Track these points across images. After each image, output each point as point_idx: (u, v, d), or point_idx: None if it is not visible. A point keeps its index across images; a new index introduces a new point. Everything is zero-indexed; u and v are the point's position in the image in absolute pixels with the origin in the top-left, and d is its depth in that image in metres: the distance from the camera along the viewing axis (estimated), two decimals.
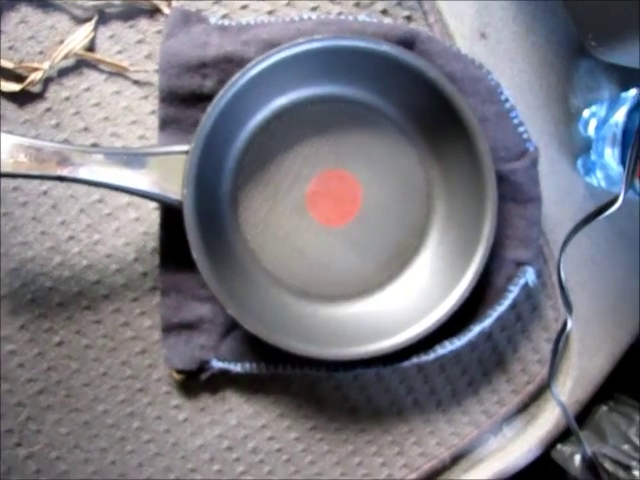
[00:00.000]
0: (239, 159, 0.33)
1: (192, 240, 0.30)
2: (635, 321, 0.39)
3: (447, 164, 0.33)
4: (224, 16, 0.34)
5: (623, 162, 0.32)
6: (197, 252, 0.30)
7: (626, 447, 0.35)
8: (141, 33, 0.34)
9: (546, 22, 0.35)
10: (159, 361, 0.35)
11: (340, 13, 0.34)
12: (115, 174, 0.30)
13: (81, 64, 0.34)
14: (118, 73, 0.34)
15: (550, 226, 0.36)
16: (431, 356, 0.33)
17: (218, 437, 0.36)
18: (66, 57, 0.33)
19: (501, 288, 0.33)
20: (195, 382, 0.35)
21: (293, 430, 0.36)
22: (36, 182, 0.34)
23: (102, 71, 0.34)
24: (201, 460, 0.36)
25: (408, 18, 0.34)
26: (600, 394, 0.38)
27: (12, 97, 0.33)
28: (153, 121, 0.34)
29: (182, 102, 0.33)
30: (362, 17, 0.33)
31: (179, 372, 0.34)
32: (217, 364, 0.34)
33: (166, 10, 0.34)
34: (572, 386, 0.37)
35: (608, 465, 0.35)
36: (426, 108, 0.32)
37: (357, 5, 0.34)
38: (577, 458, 0.36)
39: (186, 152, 0.30)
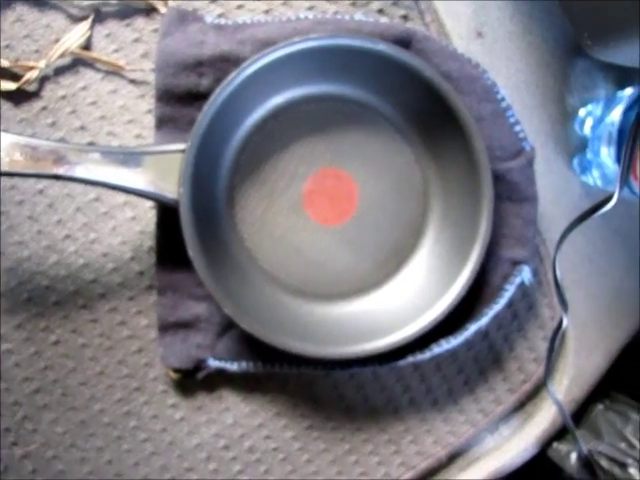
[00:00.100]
0: (235, 158, 0.33)
1: (188, 239, 0.30)
2: (631, 319, 0.39)
3: (443, 163, 0.33)
4: (220, 15, 0.34)
5: (619, 161, 0.32)
6: (193, 251, 0.30)
7: (622, 445, 0.35)
8: (137, 32, 0.34)
9: (542, 21, 0.35)
10: (155, 360, 0.35)
11: (336, 12, 0.34)
12: (111, 173, 0.30)
13: (77, 63, 0.34)
14: (114, 72, 0.34)
15: (546, 225, 0.36)
16: (427, 355, 0.33)
17: (215, 436, 0.36)
18: (62, 56, 0.33)
19: (497, 287, 0.33)
20: (191, 381, 0.35)
21: (290, 429, 0.36)
22: (32, 181, 0.34)
23: (98, 70, 0.34)
24: (197, 459, 0.36)
25: (404, 17, 0.35)
26: (596, 392, 0.38)
27: (8, 96, 0.33)
28: (149, 120, 0.34)
29: (178, 101, 0.33)
30: (358, 16, 0.33)
31: (175, 371, 0.34)
32: (213, 363, 0.34)
33: (162, 9, 0.34)
34: (568, 384, 0.37)
35: (604, 463, 0.35)
36: (422, 107, 0.32)
37: (353, 4, 0.34)
38: (573, 456, 0.36)
39: (182, 151, 0.30)
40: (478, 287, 0.33)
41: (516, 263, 0.33)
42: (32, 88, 0.34)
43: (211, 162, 0.32)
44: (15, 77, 0.33)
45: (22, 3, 0.33)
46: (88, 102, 0.34)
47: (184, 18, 0.33)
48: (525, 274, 0.33)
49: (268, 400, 0.36)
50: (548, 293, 0.37)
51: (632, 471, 0.34)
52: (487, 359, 0.37)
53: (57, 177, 0.30)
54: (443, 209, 0.34)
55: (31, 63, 0.33)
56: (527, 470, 0.37)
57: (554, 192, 0.36)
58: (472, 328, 0.33)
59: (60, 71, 0.34)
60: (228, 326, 0.33)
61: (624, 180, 0.30)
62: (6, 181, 0.34)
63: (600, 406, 0.38)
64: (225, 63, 0.32)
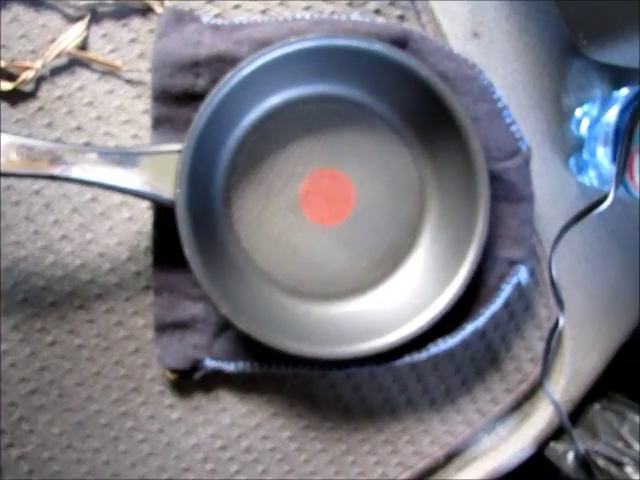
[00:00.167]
0: (232, 158, 0.33)
1: (185, 239, 0.30)
2: (628, 319, 0.39)
3: (440, 163, 0.33)
4: (217, 15, 0.34)
5: (615, 161, 0.32)
6: (190, 251, 0.30)
7: (619, 444, 0.35)
8: (134, 32, 0.34)
9: (539, 22, 0.36)
10: (152, 360, 0.35)
11: (333, 12, 0.34)
12: (107, 173, 0.30)
13: (73, 63, 0.34)
14: (111, 72, 0.34)
15: (543, 225, 0.36)
16: (424, 355, 0.33)
17: (212, 436, 0.36)
18: (58, 56, 0.33)
19: (494, 287, 0.33)
20: (188, 381, 0.35)
21: (287, 429, 0.36)
22: (28, 181, 0.34)
23: (95, 70, 0.34)
24: (195, 459, 0.36)
25: (401, 17, 0.35)
26: (593, 392, 0.38)
27: (4, 96, 0.33)
28: (146, 120, 0.34)
29: (175, 101, 0.33)
30: (355, 16, 0.33)
31: (172, 371, 0.34)
32: (210, 363, 0.34)
33: (159, 9, 0.34)
34: (565, 384, 0.37)
35: (601, 462, 0.35)
36: (419, 107, 0.32)
37: (350, 4, 0.34)
38: (570, 456, 0.36)
39: (179, 151, 0.30)
40: (475, 287, 0.33)
41: (513, 263, 0.33)
42: (28, 88, 0.34)
43: (208, 162, 0.32)
44: (11, 77, 0.33)
45: (18, 3, 0.33)
46: (84, 102, 0.34)
47: (180, 18, 0.33)
48: (522, 274, 0.33)
49: (265, 400, 0.36)
50: (545, 293, 0.37)
51: (629, 470, 0.34)
52: (484, 359, 0.37)
53: (53, 177, 0.30)
54: (440, 209, 0.34)
55: (27, 63, 0.33)
56: (524, 470, 0.38)
57: (551, 192, 0.36)
58: (469, 328, 0.33)
59: (56, 71, 0.34)
60: (225, 326, 0.33)
61: (619, 180, 0.30)
62: (2, 181, 0.34)
63: (597, 406, 0.38)
64: (222, 63, 0.32)
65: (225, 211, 0.33)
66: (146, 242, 0.34)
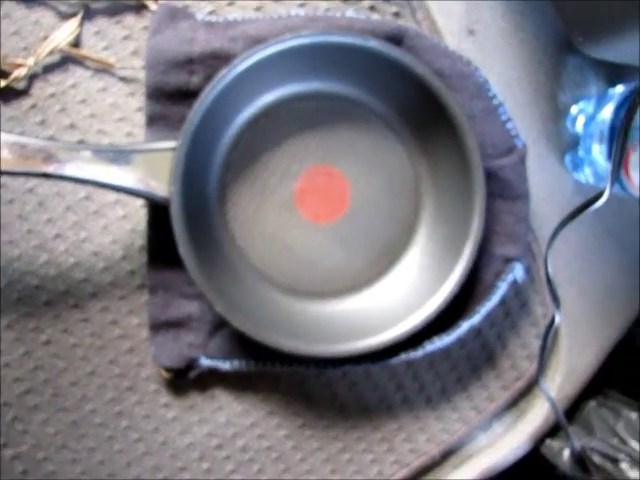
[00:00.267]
0: (226, 156, 0.33)
1: (179, 237, 0.30)
2: (623, 316, 0.39)
3: (435, 160, 0.33)
4: (211, 12, 0.34)
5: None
6: (184, 249, 0.30)
7: (614, 441, 0.35)
8: (127, 29, 0.34)
9: (534, 19, 0.35)
10: (147, 359, 0.35)
11: (328, 9, 0.34)
12: (101, 171, 0.30)
13: (66, 60, 0.34)
14: (104, 70, 0.34)
15: (538, 222, 0.36)
16: (420, 353, 0.33)
17: (207, 435, 0.36)
18: (51, 53, 0.33)
19: (490, 284, 0.33)
20: (184, 380, 0.35)
21: (283, 428, 0.36)
22: (22, 179, 0.34)
23: (88, 67, 0.34)
24: (190, 459, 0.36)
25: (396, 15, 0.34)
26: (589, 389, 0.38)
27: None
28: (140, 118, 0.34)
29: (169, 98, 0.32)
30: (350, 13, 0.33)
31: (167, 370, 0.34)
32: (206, 362, 0.33)
33: (153, 6, 0.33)
34: (561, 382, 0.37)
35: (597, 459, 0.35)
36: (414, 104, 0.32)
37: (345, 1, 0.34)
38: (566, 453, 0.36)
39: (173, 149, 0.30)
40: (470, 284, 0.33)
41: (508, 260, 0.33)
42: (21, 86, 0.33)
43: (202, 160, 0.31)
44: (3, 75, 0.33)
45: (10, 0, 0.33)
46: (78, 100, 0.34)
47: (174, 15, 0.33)
48: (517, 271, 0.33)
49: (261, 399, 0.36)
50: (541, 290, 0.37)
51: (624, 467, 0.34)
52: (480, 357, 0.37)
53: (46, 175, 0.29)
54: (435, 206, 0.34)
55: (19, 60, 0.33)
56: (520, 467, 0.38)
57: (546, 189, 0.36)
58: (465, 326, 0.33)
59: (49, 69, 0.34)
60: (220, 325, 0.33)
61: (615, 177, 0.30)
62: None
63: (592, 403, 0.38)
64: (216, 60, 0.32)
65: (220, 209, 0.33)
66: (140, 240, 0.34)
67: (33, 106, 0.34)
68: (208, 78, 0.31)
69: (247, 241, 0.33)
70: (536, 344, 0.37)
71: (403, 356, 0.33)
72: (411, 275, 0.33)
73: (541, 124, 0.36)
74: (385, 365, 0.33)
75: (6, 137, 0.29)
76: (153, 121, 0.33)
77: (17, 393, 0.35)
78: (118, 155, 0.30)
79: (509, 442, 0.37)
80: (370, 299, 0.33)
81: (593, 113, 0.34)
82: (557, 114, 0.36)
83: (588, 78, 0.36)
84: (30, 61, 0.33)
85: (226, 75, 0.30)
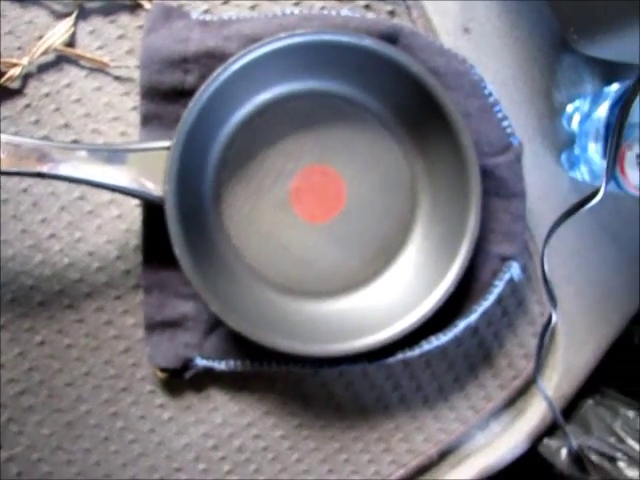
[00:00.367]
0: (222, 155, 0.33)
1: (174, 237, 0.30)
2: (620, 315, 0.39)
3: (431, 159, 0.33)
4: (206, 11, 0.34)
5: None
6: (179, 249, 0.30)
7: (612, 440, 0.35)
8: (122, 28, 0.34)
9: (529, 17, 0.35)
10: (143, 360, 0.35)
11: (323, 8, 0.34)
12: (96, 171, 0.29)
13: (61, 60, 0.33)
14: (99, 69, 0.34)
15: (535, 220, 0.36)
16: (417, 352, 0.33)
17: (203, 436, 0.36)
18: (45, 53, 0.33)
19: (486, 283, 0.33)
20: (179, 380, 0.34)
21: (279, 428, 0.36)
22: (16, 179, 0.34)
23: (82, 67, 0.34)
24: (186, 459, 0.36)
25: (391, 13, 0.34)
26: (586, 388, 0.38)
27: None
28: (135, 117, 0.34)
29: (164, 98, 0.32)
30: (345, 12, 0.33)
31: (163, 370, 0.34)
32: (201, 362, 0.33)
33: (147, 5, 0.33)
34: (558, 380, 0.37)
35: (594, 458, 0.35)
36: (409, 103, 0.32)
37: (340, 0, 0.34)
38: (564, 452, 0.36)
39: (167, 148, 0.30)
40: (467, 283, 0.32)
41: (505, 259, 0.33)
42: (15, 85, 0.33)
43: (197, 159, 0.31)
44: None
45: None
46: (72, 99, 0.34)
47: (169, 14, 0.33)
48: (514, 270, 0.33)
49: (257, 399, 0.36)
50: (537, 289, 0.36)
51: (622, 465, 0.34)
52: (477, 356, 0.37)
53: (41, 175, 0.29)
54: (431, 205, 0.33)
55: (14, 60, 0.33)
56: (518, 466, 0.37)
57: (542, 187, 0.36)
58: (461, 325, 0.33)
59: (43, 68, 0.33)
60: (215, 324, 0.33)
61: (610, 175, 0.30)
62: None
63: (590, 401, 0.38)
64: (211, 59, 0.32)
65: (215, 208, 0.33)
66: (135, 240, 0.34)
67: (27, 106, 0.33)
68: (203, 77, 0.31)
69: (242, 240, 0.33)
70: (533, 343, 0.36)
71: (400, 355, 0.32)
72: (407, 274, 0.33)
73: (537, 122, 0.36)
74: (382, 365, 0.33)
75: (0, 137, 0.29)
76: (148, 120, 0.32)
77: (12, 394, 0.34)
78: (112, 154, 0.30)
79: (507, 441, 0.37)
80: (366, 298, 0.33)
81: (588, 111, 0.34)
82: (553, 112, 0.36)
83: (583, 76, 0.36)
84: (24, 60, 0.32)
85: (221, 74, 0.30)
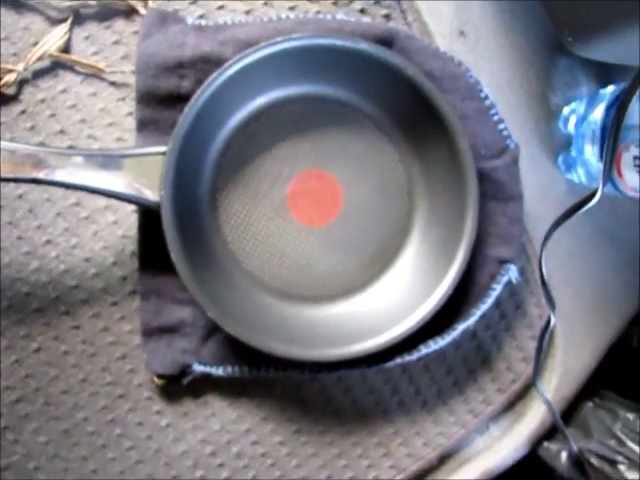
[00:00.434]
0: (218, 160, 0.33)
1: (170, 242, 0.29)
2: (619, 317, 0.39)
3: (428, 162, 0.33)
4: (201, 16, 0.34)
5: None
6: (176, 255, 0.29)
7: (612, 442, 0.35)
8: (117, 34, 0.34)
9: (524, 20, 0.36)
10: (140, 366, 0.34)
11: (318, 12, 0.34)
12: (91, 176, 0.29)
13: (56, 66, 0.33)
14: (94, 74, 0.34)
15: (532, 223, 0.36)
16: (415, 356, 0.32)
17: (201, 442, 0.35)
18: (41, 58, 0.33)
19: (484, 286, 0.33)
20: (177, 387, 0.34)
21: (277, 434, 0.36)
22: (12, 186, 0.33)
23: (78, 73, 0.34)
24: (184, 466, 0.35)
25: (386, 17, 0.34)
26: (585, 391, 0.38)
27: None
28: (130, 123, 0.34)
29: (159, 103, 0.32)
30: (340, 16, 0.33)
31: (160, 377, 0.34)
32: (199, 368, 0.33)
33: (142, 10, 0.33)
34: (557, 383, 0.37)
35: (594, 461, 0.35)
36: (405, 106, 0.32)
37: (335, 4, 0.34)
38: (564, 455, 0.36)
39: (163, 153, 0.30)
40: (465, 287, 0.32)
41: (503, 262, 0.33)
42: (10, 91, 0.33)
43: (193, 164, 0.31)
44: None
45: None
46: (68, 105, 0.34)
47: (164, 19, 0.33)
48: (512, 273, 0.33)
49: (255, 405, 0.35)
50: (536, 292, 0.36)
51: (622, 468, 0.34)
52: (476, 359, 0.36)
53: (36, 181, 0.29)
54: (428, 208, 0.33)
55: (9, 66, 0.33)
56: (518, 470, 0.37)
57: (539, 190, 0.36)
58: (460, 328, 0.33)
59: (39, 74, 0.33)
60: (213, 330, 0.33)
61: (607, 177, 0.30)
62: None
63: (589, 404, 0.37)
64: (206, 64, 0.32)
65: (211, 213, 0.33)
66: (132, 246, 0.34)
67: (23, 112, 0.33)
68: (199, 82, 0.31)
69: (239, 245, 0.33)
70: (532, 346, 0.36)
71: (398, 360, 0.32)
72: (405, 278, 0.33)
73: (533, 125, 0.36)
74: (380, 369, 0.33)
75: None
76: (143, 126, 0.32)
77: (8, 402, 0.34)
78: (108, 160, 0.30)
79: (506, 445, 0.37)
80: (364, 302, 0.33)
81: (584, 113, 0.34)
82: (549, 115, 0.36)
83: (579, 78, 0.36)
84: (20, 67, 0.32)
85: (217, 79, 0.30)
